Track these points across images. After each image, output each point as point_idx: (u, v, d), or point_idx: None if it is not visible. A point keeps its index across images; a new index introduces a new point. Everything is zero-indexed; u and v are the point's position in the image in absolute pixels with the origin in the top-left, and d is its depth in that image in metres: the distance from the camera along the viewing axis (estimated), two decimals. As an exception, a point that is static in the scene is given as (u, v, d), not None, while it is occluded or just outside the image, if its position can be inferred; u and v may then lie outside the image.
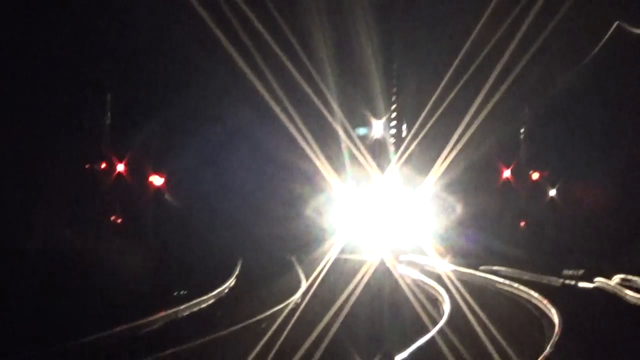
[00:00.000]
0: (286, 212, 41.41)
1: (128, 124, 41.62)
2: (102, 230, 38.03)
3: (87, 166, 41.67)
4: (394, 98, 40.48)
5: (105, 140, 41.65)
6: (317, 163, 32.11)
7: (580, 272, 33.58)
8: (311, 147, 31.44)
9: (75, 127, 38.61)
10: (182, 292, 26.64)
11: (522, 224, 46.53)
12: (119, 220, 41.21)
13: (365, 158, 33.91)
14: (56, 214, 34.90)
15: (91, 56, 37.52)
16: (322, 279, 27.06)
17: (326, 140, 33.41)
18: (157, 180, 43.06)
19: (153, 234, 39.47)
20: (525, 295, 27.99)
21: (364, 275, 26.67)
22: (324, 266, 28.42)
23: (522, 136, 45.25)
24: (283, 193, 42.59)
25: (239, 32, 28.11)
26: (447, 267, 34.09)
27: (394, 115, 40.64)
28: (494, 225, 43.26)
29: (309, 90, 30.48)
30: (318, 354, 17.02)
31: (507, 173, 46.75)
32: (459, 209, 42.25)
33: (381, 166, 36.28)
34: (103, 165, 42.14)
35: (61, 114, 37.07)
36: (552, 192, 46.29)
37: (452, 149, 30.36)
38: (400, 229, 37.21)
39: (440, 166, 31.32)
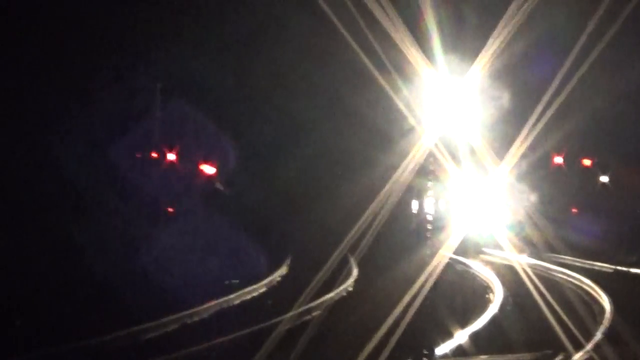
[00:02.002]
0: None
1: (179, 113, 41.55)
2: (154, 219, 38.17)
3: (138, 155, 41.48)
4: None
5: (156, 129, 41.55)
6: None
7: (634, 258, 33.52)
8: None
9: (127, 117, 38.69)
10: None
11: (574, 210, 46.03)
12: (171, 210, 41.40)
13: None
14: (107, 204, 35.22)
15: (141, 45, 37.56)
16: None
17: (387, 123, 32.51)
18: (208, 169, 43.07)
19: (202, 223, 39.48)
20: (577, 282, 28.29)
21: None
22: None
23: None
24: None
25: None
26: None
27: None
28: (559, 214, 42.45)
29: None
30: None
31: (558, 159, 46.24)
32: (533, 198, 41.14)
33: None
34: (154, 155, 42.05)
35: (112, 105, 37.07)
36: (604, 179, 45.76)
37: (528, 134, 29.40)
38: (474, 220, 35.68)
39: (516, 151, 30.20)
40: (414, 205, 38.38)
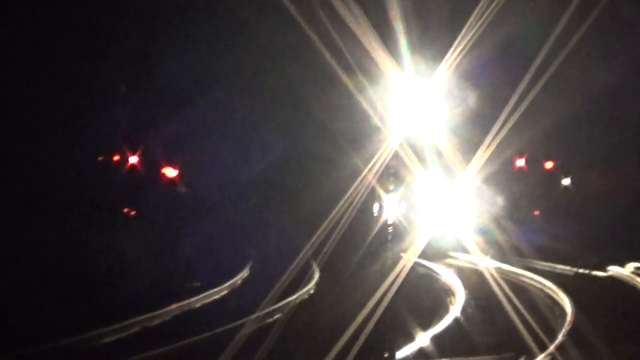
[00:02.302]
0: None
1: (144, 116, 41.11)
2: (115, 222, 37.71)
3: (99, 158, 41.13)
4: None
5: (119, 132, 40.91)
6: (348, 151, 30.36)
7: (594, 260, 33.68)
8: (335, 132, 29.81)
9: (89, 119, 37.90)
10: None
11: (536, 213, 46.18)
12: (132, 213, 41.00)
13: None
14: (68, 207, 34.66)
15: (104, 47, 36.90)
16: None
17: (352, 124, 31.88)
18: (170, 172, 42.68)
19: (165, 226, 39.04)
20: (538, 285, 28.17)
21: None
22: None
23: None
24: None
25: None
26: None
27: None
28: (524, 217, 42.45)
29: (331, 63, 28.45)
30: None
31: (520, 162, 46.39)
32: (499, 201, 40.86)
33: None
34: (116, 158, 41.68)
35: (73, 107, 36.58)
36: (566, 181, 45.99)
37: (495, 136, 29.14)
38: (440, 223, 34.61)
39: (483, 154, 29.89)
40: (376, 209, 37.82)
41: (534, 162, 46.76)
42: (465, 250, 34.95)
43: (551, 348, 19.02)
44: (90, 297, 22.83)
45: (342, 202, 30.32)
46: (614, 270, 32.10)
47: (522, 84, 26.81)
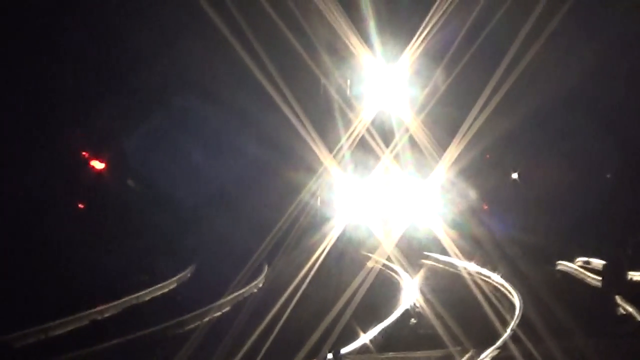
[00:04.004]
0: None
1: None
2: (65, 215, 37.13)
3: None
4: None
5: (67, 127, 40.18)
6: (308, 139, 28.80)
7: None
8: (300, 120, 28.27)
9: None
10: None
11: (485, 207, 46.03)
12: (80, 206, 40.21)
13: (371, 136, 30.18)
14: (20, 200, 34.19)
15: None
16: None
17: (318, 110, 30.68)
18: (98, 164, 42.19)
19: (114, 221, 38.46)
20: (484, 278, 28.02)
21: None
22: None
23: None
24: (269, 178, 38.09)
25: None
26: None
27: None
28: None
29: (296, 46, 27.28)
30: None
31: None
32: (472, 194, 38.71)
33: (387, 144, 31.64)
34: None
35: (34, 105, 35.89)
36: (514, 175, 46.12)
37: (467, 131, 28.73)
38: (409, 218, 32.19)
39: (456, 148, 29.40)
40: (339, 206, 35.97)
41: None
42: (443, 251, 31.08)
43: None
44: (38, 291, 22.28)
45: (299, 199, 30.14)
46: (562, 264, 32.37)
47: (495, 75, 26.73)
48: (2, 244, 26.98)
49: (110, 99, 38.79)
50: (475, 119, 27.74)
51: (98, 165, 41.16)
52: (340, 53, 27.37)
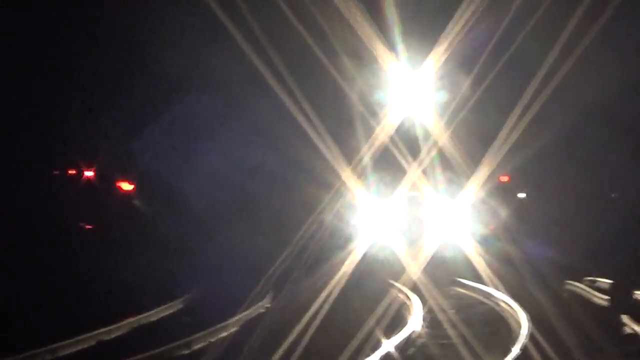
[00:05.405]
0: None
1: (97, 128, 39.70)
2: (71, 237, 36.11)
3: (55, 173, 40.95)
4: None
5: (73, 145, 40.06)
6: (325, 149, 27.30)
7: None
8: (317, 130, 26.84)
9: (43, 133, 37.30)
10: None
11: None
12: (88, 227, 39.27)
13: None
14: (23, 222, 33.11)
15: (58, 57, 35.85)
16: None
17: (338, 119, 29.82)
18: (125, 185, 41.47)
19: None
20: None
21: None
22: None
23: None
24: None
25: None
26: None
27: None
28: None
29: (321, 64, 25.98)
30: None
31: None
32: (503, 213, 36.77)
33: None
34: (72, 172, 41.27)
35: (28, 120, 35.80)
36: (521, 195, 45.17)
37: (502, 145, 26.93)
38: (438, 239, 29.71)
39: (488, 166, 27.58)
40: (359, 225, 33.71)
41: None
42: (477, 276, 27.06)
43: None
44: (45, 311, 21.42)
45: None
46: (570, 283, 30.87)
47: (532, 84, 25.11)
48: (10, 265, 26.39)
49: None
50: (511, 131, 25.96)
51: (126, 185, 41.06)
52: (364, 59, 25.75)
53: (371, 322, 20.05)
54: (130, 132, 39.96)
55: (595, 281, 29.97)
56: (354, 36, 23.58)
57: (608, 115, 35.79)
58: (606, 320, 22.57)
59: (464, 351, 17.91)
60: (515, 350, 17.72)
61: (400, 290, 26.61)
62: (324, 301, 20.29)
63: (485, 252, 28.17)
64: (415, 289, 25.67)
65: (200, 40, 31.23)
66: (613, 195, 40.74)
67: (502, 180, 41.69)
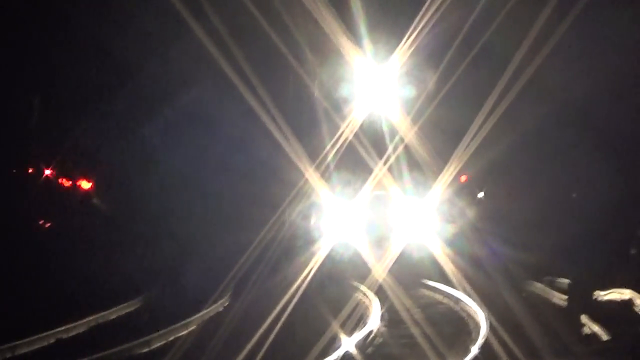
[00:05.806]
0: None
1: (58, 126, 39.12)
2: (29, 234, 35.56)
3: (13, 171, 40.29)
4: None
5: (32, 144, 39.80)
6: (287, 146, 26.77)
7: None
8: (280, 126, 26.41)
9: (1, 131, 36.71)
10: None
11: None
12: (47, 225, 38.92)
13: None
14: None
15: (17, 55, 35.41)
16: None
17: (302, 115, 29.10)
18: (85, 184, 41.09)
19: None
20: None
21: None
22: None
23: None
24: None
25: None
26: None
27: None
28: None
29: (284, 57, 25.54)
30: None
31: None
32: (470, 213, 35.60)
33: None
34: (30, 170, 40.93)
35: None
36: (480, 195, 45.09)
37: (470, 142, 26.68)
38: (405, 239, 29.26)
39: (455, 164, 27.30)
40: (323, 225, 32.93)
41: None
42: (444, 278, 27.24)
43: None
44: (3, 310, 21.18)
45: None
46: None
47: (503, 79, 24.94)
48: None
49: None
50: (479, 129, 25.74)
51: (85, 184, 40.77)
52: (327, 53, 25.34)
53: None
54: (91, 130, 39.43)
55: (553, 281, 29.81)
56: (319, 30, 23.25)
57: (575, 113, 35.85)
58: (565, 320, 22.65)
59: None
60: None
61: (365, 295, 26.38)
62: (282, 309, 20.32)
63: (452, 252, 27.94)
64: (380, 291, 25.63)
65: (161, 35, 30.79)
66: (574, 195, 40.91)
67: (461, 180, 41.53)
